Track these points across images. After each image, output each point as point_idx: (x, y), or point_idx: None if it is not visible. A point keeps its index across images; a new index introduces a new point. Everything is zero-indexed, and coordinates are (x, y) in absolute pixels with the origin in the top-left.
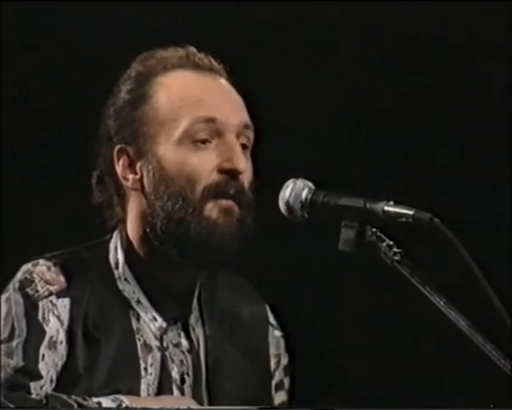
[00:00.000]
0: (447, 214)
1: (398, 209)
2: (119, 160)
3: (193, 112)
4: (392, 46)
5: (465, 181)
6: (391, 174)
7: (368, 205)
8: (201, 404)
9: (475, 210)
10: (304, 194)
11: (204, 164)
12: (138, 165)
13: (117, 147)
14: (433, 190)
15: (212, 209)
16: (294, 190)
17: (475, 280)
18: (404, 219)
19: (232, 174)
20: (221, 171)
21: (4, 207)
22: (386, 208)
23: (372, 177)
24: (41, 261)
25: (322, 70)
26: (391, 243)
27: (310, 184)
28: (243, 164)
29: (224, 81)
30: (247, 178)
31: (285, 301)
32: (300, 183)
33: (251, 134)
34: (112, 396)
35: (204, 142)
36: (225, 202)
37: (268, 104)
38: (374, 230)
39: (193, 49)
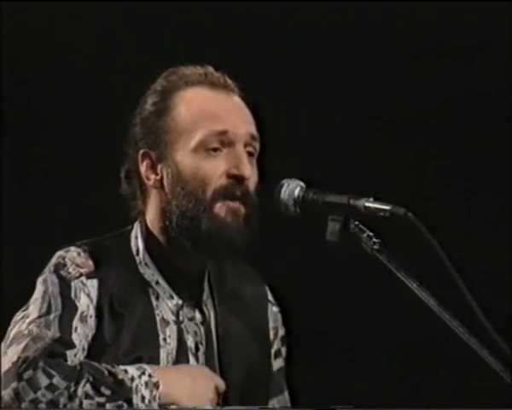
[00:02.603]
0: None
1: (377, 205)
2: (142, 162)
3: (208, 125)
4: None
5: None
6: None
7: (351, 201)
8: (213, 368)
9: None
10: (296, 192)
11: (215, 169)
12: (159, 167)
13: (141, 151)
14: (433, 192)
15: (220, 208)
16: (288, 189)
17: (447, 271)
18: (382, 214)
19: (238, 179)
20: (229, 176)
21: (4, 206)
22: (367, 204)
23: (371, 184)
24: (72, 248)
25: (326, 81)
26: (371, 234)
27: (301, 183)
28: (248, 171)
29: (236, 97)
30: (252, 182)
31: (282, 285)
32: (293, 182)
33: (257, 144)
34: (136, 365)
35: (215, 150)
36: (232, 204)
37: (273, 117)
38: (356, 223)
39: (210, 69)
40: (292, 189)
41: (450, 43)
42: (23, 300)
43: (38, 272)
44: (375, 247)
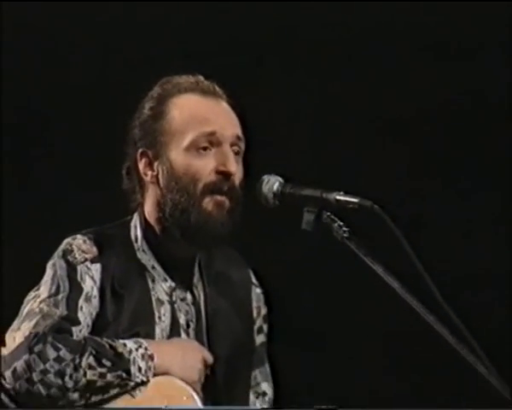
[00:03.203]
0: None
1: (346, 198)
2: (141, 160)
3: (198, 127)
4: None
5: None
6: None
7: (324, 195)
8: (202, 343)
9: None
10: (275, 186)
11: (205, 167)
12: (155, 164)
13: (140, 150)
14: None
15: (208, 203)
16: (268, 184)
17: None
18: (351, 206)
19: (226, 175)
20: (217, 172)
21: (4, 206)
22: (338, 197)
23: (371, 184)
24: (78, 236)
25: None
26: (341, 223)
27: (280, 178)
28: (234, 168)
29: (224, 103)
30: (238, 178)
31: (264, 268)
32: (273, 178)
33: (242, 144)
34: (134, 339)
35: (205, 149)
36: (219, 198)
37: (257, 119)
38: (328, 213)
39: (201, 78)
40: (271, 183)
41: (450, 44)
42: (23, 299)
43: (38, 272)
44: (345, 235)
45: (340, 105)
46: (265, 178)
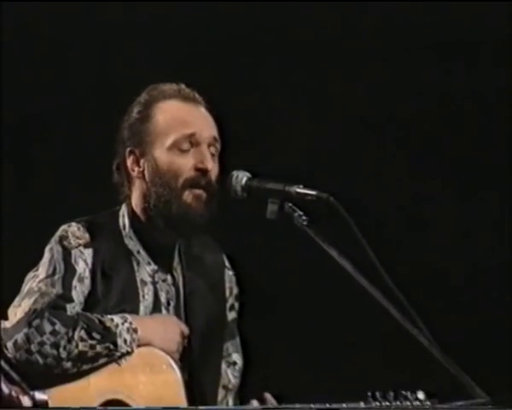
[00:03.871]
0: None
1: (305, 191)
2: (129, 157)
3: (180, 129)
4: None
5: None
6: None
7: (286, 188)
8: (180, 318)
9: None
10: (243, 180)
11: (185, 164)
12: (142, 161)
13: (128, 149)
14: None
15: (187, 196)
16: (237, 178)
17: (362, 247)
18: (310, 198)
19: (203, 172)
20: (196, 169)
21: (4, 206)
22: (298, 190)
23: (372, 184)
24: (73, 223)
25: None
26: (301, 213)
27: (247, 173)
28: (211, 165)
29: (202, 108)
30: (214, 174)
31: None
32: (241, 173)
33: (218, 145)
34: (120, 315)
35: (186, 149)
36: (197, 191)
37: (273, 116)
38: (290, 204)
39: (183, 86)
40: (240, 178)
41: (450, 44)
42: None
43: (37, 258)
44: (304, 223)
45: (340, 105)
46: (235, 173)
